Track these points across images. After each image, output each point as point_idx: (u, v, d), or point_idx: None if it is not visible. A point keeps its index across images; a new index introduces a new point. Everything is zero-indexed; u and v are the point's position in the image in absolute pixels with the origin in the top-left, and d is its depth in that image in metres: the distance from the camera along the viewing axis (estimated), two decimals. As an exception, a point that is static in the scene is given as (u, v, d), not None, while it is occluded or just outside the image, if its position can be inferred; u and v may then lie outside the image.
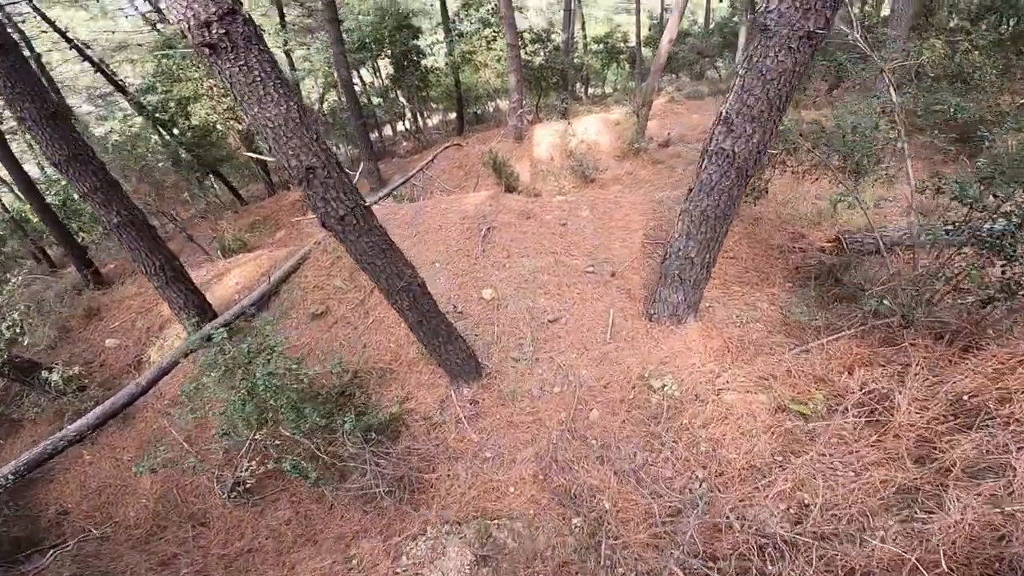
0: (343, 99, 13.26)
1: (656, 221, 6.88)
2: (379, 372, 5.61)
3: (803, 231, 6.43)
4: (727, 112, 3.73)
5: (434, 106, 22.75)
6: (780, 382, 4.22)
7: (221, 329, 4.50)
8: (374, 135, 20.20)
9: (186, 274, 6.72)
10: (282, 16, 16.35)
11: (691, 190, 4.31)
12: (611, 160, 12.38)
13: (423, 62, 17.41)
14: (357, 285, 6.74)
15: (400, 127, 22.95)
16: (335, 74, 12.79)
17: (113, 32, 16.85)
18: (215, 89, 13.02)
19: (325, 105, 18.76)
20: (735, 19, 21.45)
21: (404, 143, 20.43)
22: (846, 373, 4.09)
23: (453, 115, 20.62)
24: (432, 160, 11.83)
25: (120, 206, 5.85)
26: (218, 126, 13.72)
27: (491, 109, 20.40)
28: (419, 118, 22.70)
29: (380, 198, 10.55)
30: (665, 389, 4.50)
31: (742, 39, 18.03)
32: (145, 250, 6.14)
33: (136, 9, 17.32)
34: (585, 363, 4.95)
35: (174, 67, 12.75)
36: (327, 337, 6.42)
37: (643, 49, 22.99)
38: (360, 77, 19.56)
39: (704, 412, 4.21)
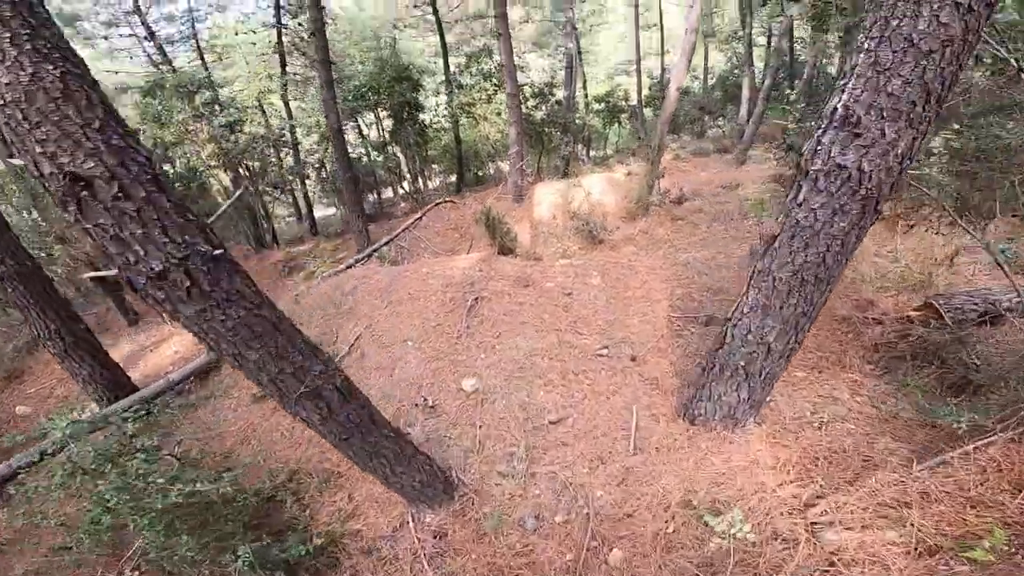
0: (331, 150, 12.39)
1: (684, 289, 5.62)
2: (323, 475, 4.30)
3: (870, 297, 5.10)
4: (846, 105, 2.42)
5: (435, 167, 22.32)
6: (917, 510, 2.72)
7: (126, 412, 3.60)
8: (372, 196, 19.45)
9: (93, 341, 5.39)
10: (283, 64, 15.99)
11: (771, 241, 2.94)
12: (619, 220, 11.32)
13: (421, 116, 16.89)
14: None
15: (400, 188, 22.42)
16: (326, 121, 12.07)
17: (116, 72, 16.55)
18: (201, 134, 12.32)
19: (327, 166, 18.09)
20: (736, 72, 21.19)
21: (402, 204, 19.66)
22: (1018, 493, 2.62)
23: (454, 176, 20.05)
24: (421, 217, 10.77)
25: (5, 253, 4.60)
26: (200, 172, 12.90)
27: (491, 171, 19.78)
28: (420, 178, 22.23)
29: (359, 259, 9.37)
30: (726, 523, 2.99)
31: (745, 91, 17.71)
32: (36, 309, 4.82)
33: (144, 51, 17.10)
34: (601, 481, 3.55)
35: (161, 109, 12.05)
36: (267, 425, 5.08)
37: (644, 109, 22.92)
38: (360, 130, 18.95)
39: (794, 558, 2.72)
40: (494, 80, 15.51)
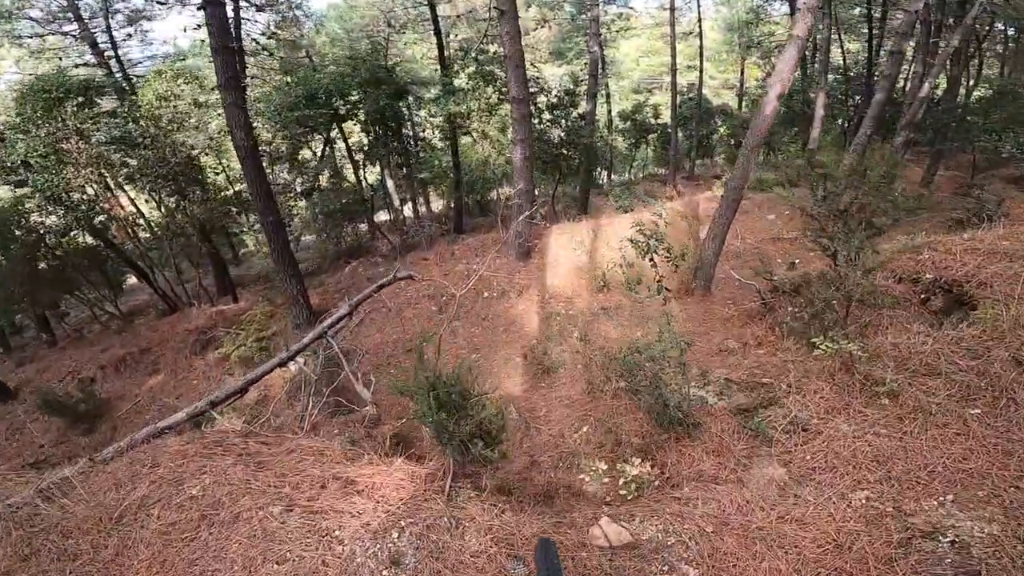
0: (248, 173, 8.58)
1: None
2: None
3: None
4: None
5: (432, 191, 18.79)
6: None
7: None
8: (351, 226, 15.89)
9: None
10: (243, 65, 12.77)
11: None
12: (671, 302, 7.75)
13: (405, 130, 13.51)
14: None
15: (392, 215, 18.81)
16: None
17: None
18: (84, 151, 9.08)
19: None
20: (811, 91, 17.29)
21: (389, 238, 16.04)
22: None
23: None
24: (355, 308, 7.01)
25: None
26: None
27: (495, 196, 16.14)
28: (413, 205, 18.71)
29: (269, 368, 5.72)
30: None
31: (820, 110, 14.09)
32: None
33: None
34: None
35: (20, 121, 9.28)
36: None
37: (677, 129, 19.38)
38: (332, 145, 15.29)
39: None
40: (498, 84, 11.93)
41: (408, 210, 19.93)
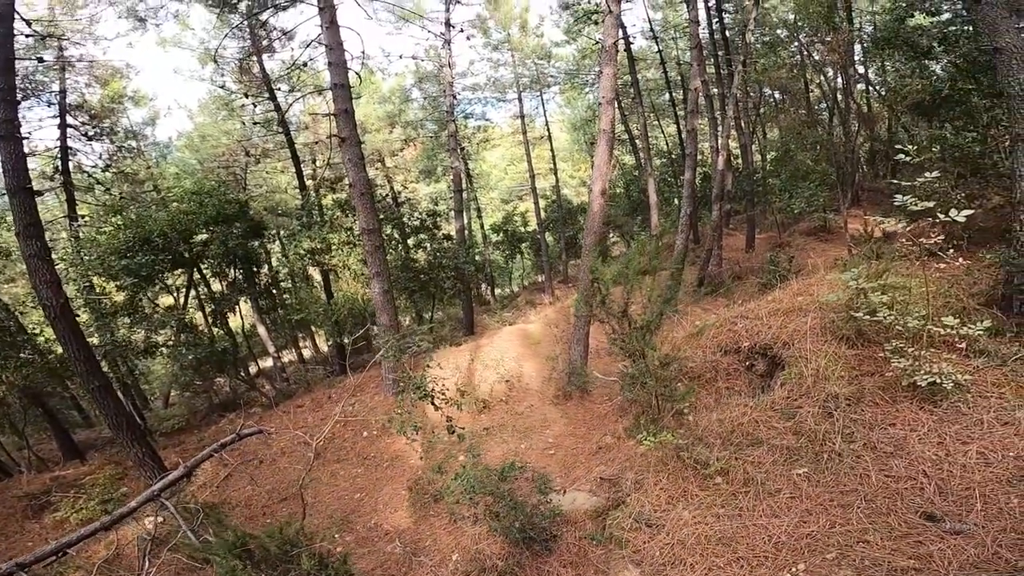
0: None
1: None
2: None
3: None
4: None
5: (316, 330, 17.95)
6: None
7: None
8: (220, 379, 14.53)
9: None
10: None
11: None
12: (548, 404, 7.79)
13: (266, 270, 12.79)
14: None
15: (268, 362, 17.56)
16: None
17: None
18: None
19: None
20: (636, 173, 19.23)
21: (266, 387, 14.87)
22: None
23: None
24: (192, 469, 6.24)
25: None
26: None
27: (374, 330, 15.74)
28: (299, 347, 17.75)
29: (26, 563, 4.68)
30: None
31: (653, 196, 15.45)
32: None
33: None
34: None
35: None
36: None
37: (545, 232, 20.57)
38: (151, 299, 13.11)
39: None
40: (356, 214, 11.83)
41: (291, 354, 18.86)
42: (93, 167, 14.21)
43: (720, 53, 15.81)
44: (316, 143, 16.64)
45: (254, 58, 14.02)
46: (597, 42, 16.04)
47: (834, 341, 4.82)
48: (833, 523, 3.48)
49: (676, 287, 5.57)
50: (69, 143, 13.43)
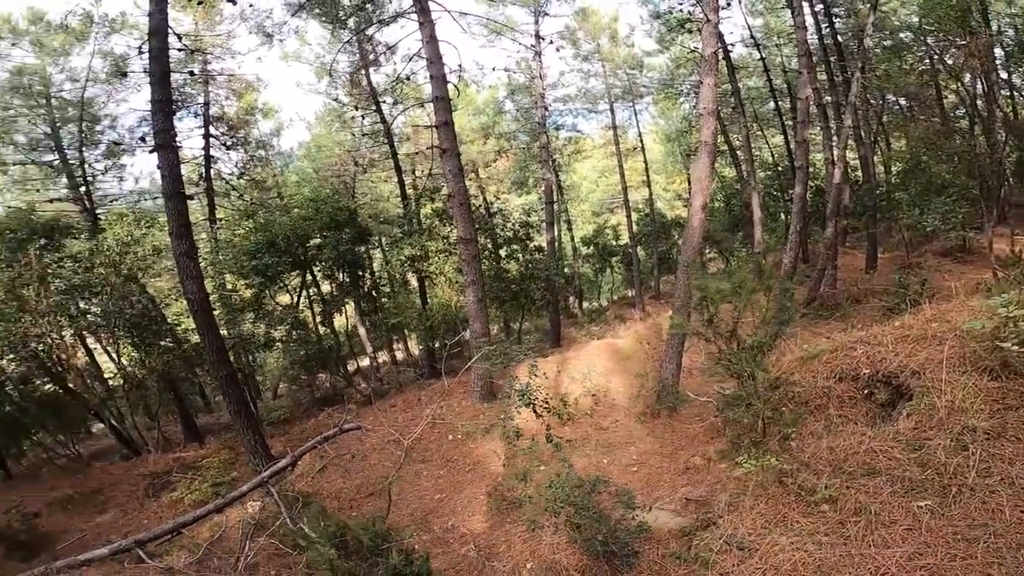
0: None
1: None
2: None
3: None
4: None
5: (409, 334, 18.75)
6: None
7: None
8: (326, 375, 15.64)
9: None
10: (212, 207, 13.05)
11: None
12: (633, 421, 7.57)
13: (365, 275, 13.49)
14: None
15: (364, 362, 18.63)
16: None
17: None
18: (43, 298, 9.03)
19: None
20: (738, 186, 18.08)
21: (362, 385, 15.83)
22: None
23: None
24: (298, 459, 6.82)
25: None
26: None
27: (466, 337, 16.17)
28: (388, 351, 18.64)
29: (144, 540, 5.15)
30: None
31: (757, 211, 14.37)
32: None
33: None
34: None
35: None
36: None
37: (637, 247, 19.93)
38: (298, 296, 14.59)
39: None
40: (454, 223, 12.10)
41: (385, 355, 19.89)
42: (230, 174, 15.84)
43: (832, 59, 14.61)
44: (416, 154, 17.40)
45: (362, 72, 15.02)
46: (692, 51, 15.50)
47: (974, 372, 4.27)
48: (954, 556, 3.09)
49: (792, 308, 5.18)
50: (211, 152, 15.04)
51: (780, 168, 20.00)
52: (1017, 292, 4.34)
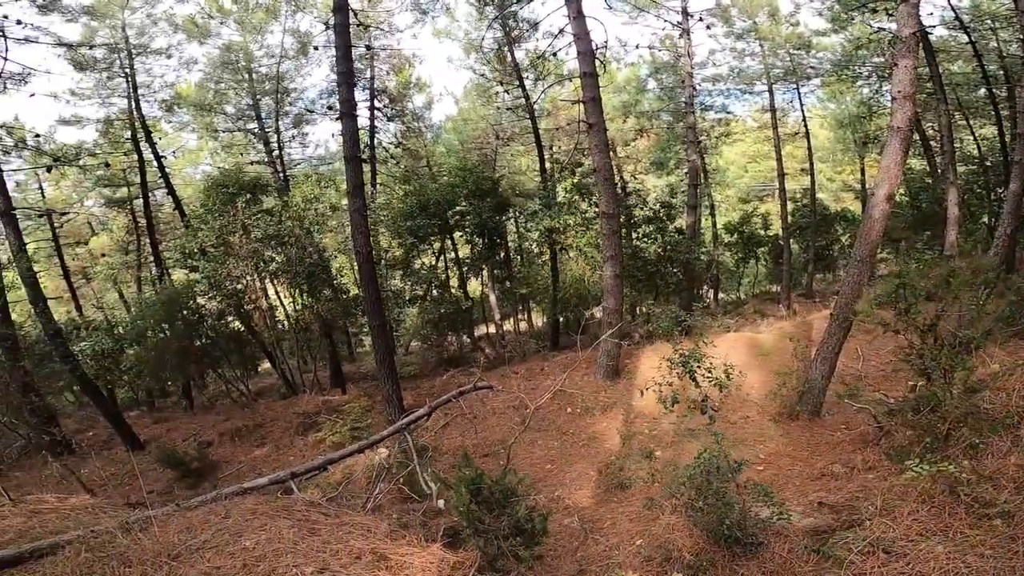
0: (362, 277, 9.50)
1: None
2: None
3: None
4: None
5: (533, 306, 19.30)
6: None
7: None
8: (454, 336, 16.74)
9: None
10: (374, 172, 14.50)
11: None
12: (768, 420, 7.05)
13: (506, 244, 14.17)
14: None
15: (489, 329, 19.55)
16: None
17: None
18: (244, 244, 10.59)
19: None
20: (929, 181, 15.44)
21: (487, 350, 16.69)
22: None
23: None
24: (433, 410, 7.30)
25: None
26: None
27: (592, 314, 16.12)
28: (513, 320, 19.36)
29: (298, 473, 5.71)
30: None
31: (953, 209, 12.12)
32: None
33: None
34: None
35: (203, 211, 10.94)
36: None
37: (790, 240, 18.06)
38: (441, 254, 15.87)
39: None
40: (593, 199, 12.05)
41: (510, 324, 20.69)
42: (389, 143, 17.39)
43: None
44: (557, 129, 17.71)
45: (506, 48, 15.40)
46: (877, 30, 13.52)
47: None
48: None
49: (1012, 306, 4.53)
50: (375, 123, 16.56)
51: (989, 163, 16.70)
52: None
